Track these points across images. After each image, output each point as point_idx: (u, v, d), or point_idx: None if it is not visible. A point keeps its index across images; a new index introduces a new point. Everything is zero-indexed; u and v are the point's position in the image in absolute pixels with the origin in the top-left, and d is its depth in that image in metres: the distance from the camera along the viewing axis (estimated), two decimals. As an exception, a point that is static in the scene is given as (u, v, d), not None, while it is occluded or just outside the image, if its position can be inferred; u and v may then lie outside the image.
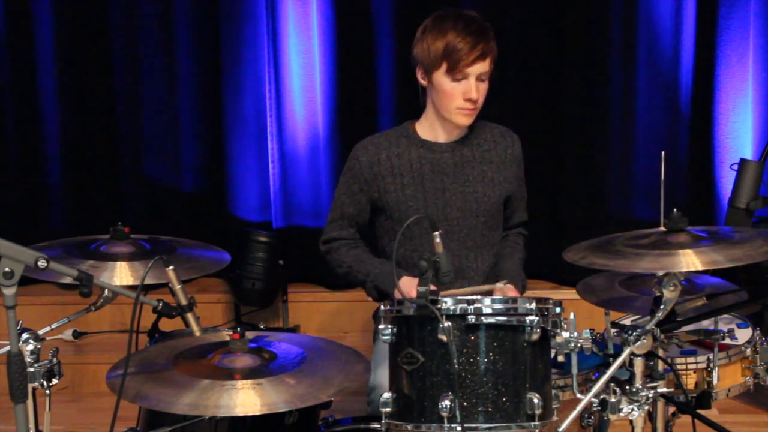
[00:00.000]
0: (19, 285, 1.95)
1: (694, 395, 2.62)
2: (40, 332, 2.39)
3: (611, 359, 2.31)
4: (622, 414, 2.26)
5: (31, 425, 2.30)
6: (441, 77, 2.73)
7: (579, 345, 2.13)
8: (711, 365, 2.61)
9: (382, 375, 2.60)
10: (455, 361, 2.03)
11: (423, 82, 2.81)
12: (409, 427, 2.07)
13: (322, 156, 4.78)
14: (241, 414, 1.99)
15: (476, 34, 2.71)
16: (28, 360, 2.30)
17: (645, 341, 2.22)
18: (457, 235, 2.83)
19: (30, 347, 2.31)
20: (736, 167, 4.13)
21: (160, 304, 2.43)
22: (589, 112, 4.64)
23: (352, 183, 2.88)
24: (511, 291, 2.70)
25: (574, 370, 2.19)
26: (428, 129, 2.87)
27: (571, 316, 2.15)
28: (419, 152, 2.84)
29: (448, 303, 2.06)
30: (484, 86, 2.76)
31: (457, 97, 2.73)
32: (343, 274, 2.92)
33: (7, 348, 1.97)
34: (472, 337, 2.06)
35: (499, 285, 2.70)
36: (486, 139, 2.89)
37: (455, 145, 2.85)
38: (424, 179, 2.82)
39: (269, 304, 4.68)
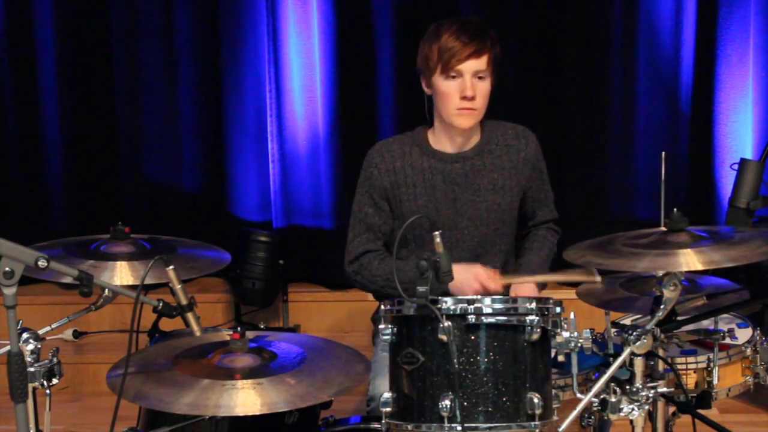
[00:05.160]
0: (19, 285, 1.95)
1: (694, 395, 2.62)
2: (41, 332, 2.39)
3: (611, 359, 2.31)
4: (622, 414, 2.26)
5: (32, 425, 2.30)
6: (437, 79, 2.71)
7: (579, 345, 2.13)
8: (711, 365, 2.61)
9: (381, 385, 2.60)
10: (455, 360, 2.03)
11: (428, 91, 2.78)
12: (410, 427, 2.07)
13: (322, 156, 4.78)
14: (241, 414, 1.99)
15: (470, 33, 2.68)
16: (29, 360, 2.30)
17: (645, 341, 2.22)
18: (467, 244, 2.81)
19: (30, 347, 2.31)
20: (736, 167, 4.14)
21: (161, 304, 2.43)
22: (589, 111, 4.64)
23: (372, 191, 2.83)
24: (528, 289, 2.71)
25: (575, 369, 2.19)
26: (439, 139, 2.83)
27: (572, 315, 2.15)
28: (431, 162, 2.81)
29: (448, 303, 2.06)
30: (482, 85, 2.72)
31: (453, 96, 2.70)
32: (380, 287, 2.79)
33: (8, 348, 1.96)
34: (473, 337, 2.06)
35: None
36: (498, 144, 2.85)
37: (467, 155, 2.82)
38: (435, 190, 2.80)
39: (269, 304, 4.68)
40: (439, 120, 2.81)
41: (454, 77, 2.69)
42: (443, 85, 2.71)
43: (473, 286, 2.66)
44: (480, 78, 2.71)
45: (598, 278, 2.53)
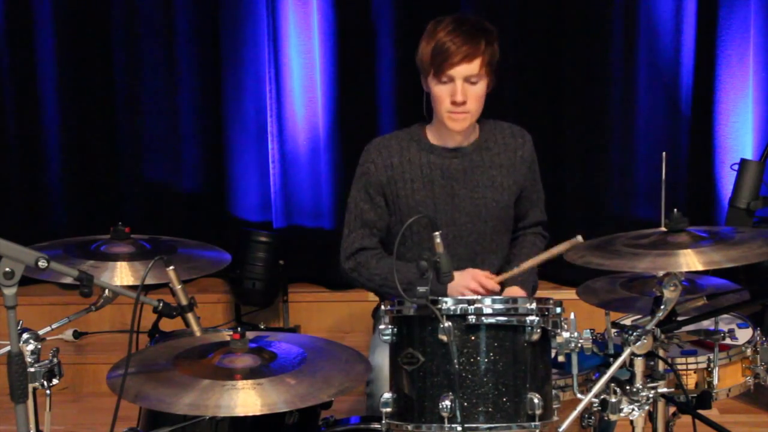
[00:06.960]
0: (19, 285, 1.95)
1: (695, 395, 2.62)
2: (41, 332, 2.38)
3: (611, 359, 2.31)
4: (622, 414, 2.26)
5: (32, 425, 2.30)
6: (431, 81, 2.70)
7: (579, 345, 2.13)
8: (711, 365, 2.61)
9: (379, 356, 2.57)
10: (456, 361, 2.03)
11: (426, 88, 2.77)
12: (410, 428, 2.07)
13: (322, 156, 4.78)
14: (241, 414, 1.99)
15: (464, 35, 2.64)
16: (29, 360, 2.30)
17: (645, 341, 2.22)
18: (465, 240, 2.81)
19: (30, 347, 2.31)
20: (736, 167, 4.14)
21: (161, 304, 2.43)
22: (589, 112, 4.64)
23: (368, 187, 2.82)
24: (519, 293, 2.73)
25: (575, 370, 2.19)
26: (437, 135, 2.83)
27: (572, 316, 2.15)
28: (429, 157, 2.81)
29: (448, 303, 2.06)
30: (474, 90, 2.69)
31: (444, 100, 2.69)
32: (378, 287, 2.79)
33: (8, 348, 1.96)
34: (473, 337, 2.06)
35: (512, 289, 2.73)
36: (496, 142, 2.85)
37: (465, 151, 2.82)
38: (434, 185, 2.80)
39: (269, 304, 4.68)
40: (437, 117, 2.80)
41: (445, 82, 2.68)
42: (435, 88, 2.70)
43: (470, 285, 2.66)
44: (472, 83, 2.68)
45: (580, 238, 2.51)
